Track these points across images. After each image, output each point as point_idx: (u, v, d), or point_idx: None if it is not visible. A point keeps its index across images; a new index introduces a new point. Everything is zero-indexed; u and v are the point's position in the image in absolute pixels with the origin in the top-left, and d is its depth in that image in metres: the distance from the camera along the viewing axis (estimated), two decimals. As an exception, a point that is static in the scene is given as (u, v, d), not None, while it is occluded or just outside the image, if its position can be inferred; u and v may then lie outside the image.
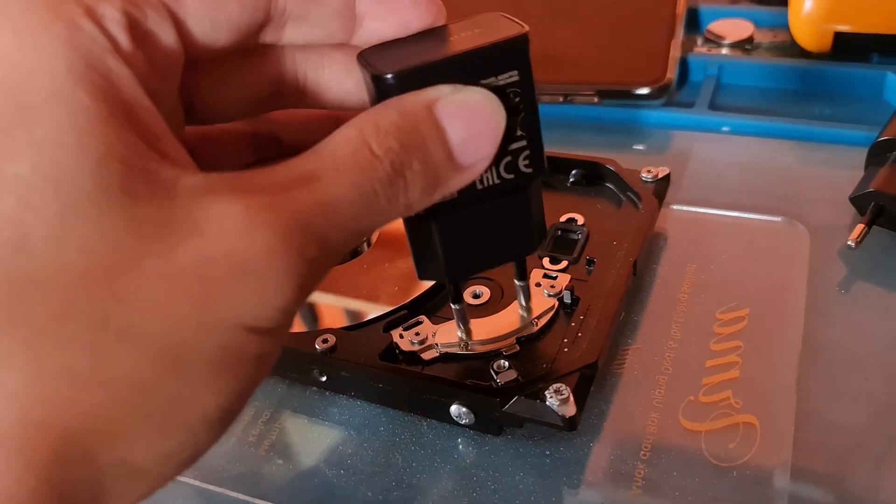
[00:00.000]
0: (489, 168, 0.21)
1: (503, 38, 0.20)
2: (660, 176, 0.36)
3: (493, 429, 0.29)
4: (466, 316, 0.29)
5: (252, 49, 0.21)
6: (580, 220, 0.35)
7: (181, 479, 0.30)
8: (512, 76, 0.21)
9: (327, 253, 0.17)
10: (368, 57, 0.20)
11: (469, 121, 0.20)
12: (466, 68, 0.20)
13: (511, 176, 0.22)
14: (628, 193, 0.36)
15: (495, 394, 0.27)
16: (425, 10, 0.20)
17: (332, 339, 0.30)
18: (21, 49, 0.16)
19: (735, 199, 0.38)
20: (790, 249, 0.35)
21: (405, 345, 0.30)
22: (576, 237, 0.34)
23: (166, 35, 0.18)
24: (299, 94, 0.22)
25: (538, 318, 0.30)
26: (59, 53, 0.16)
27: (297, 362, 0.31)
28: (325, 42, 0.21)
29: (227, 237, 0.16)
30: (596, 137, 0.44)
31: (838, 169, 0.40)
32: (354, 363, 0.30)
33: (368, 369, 0.29)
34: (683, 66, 0.47)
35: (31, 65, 0.15)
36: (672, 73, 0.44)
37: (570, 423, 0.26)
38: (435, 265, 0.24)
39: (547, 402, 0.26)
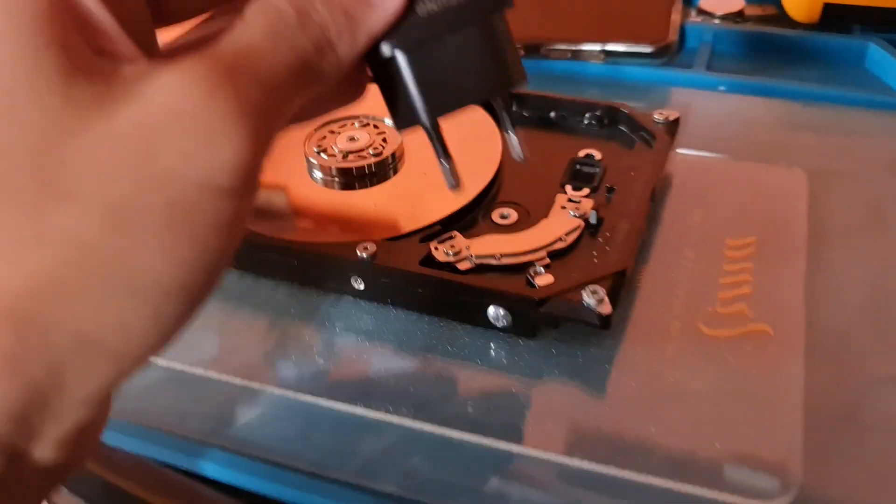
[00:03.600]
0: None
1: None
2: (671, 118, 0.38)
3: (528, 331, 0.31)
4: (457, 174, 0.25)
5: None
6: (598, 155, 0.37)
7: (210, 374, 0.31)
8: None
9: (269, 97, 0.17)
10: None
11: None
12: None
13: None
14: (641, 133, 0.38)
15: (533, 295, 0.29)
16: None
17: (372, 247, 0.31)
18: None
19: (735, 147, 0.41)
20: (790, 188, 0.38)
21: (441, 256, 0.32)
22: (594, 170, 0.36)
23: None
24: None
25: (567, 234, 0.32)
26: None
27: (336, 270, 0.32)
28: None
29: (164, 95, 0.16)
30: (600, 93, 0.47)
31: (828, 123, 0.43)
32: (396, 269, 0.31)
33: (410, 275, 0.31)
34: (681, 32, 0.49)
35: None
36: (674, 35, 0.46)
37: (606, 322, 0.28)
38: (410, 108, 0.22)
39: (584, 302, 0.28)
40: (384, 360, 0.31)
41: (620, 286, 0.30)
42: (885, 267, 0.34)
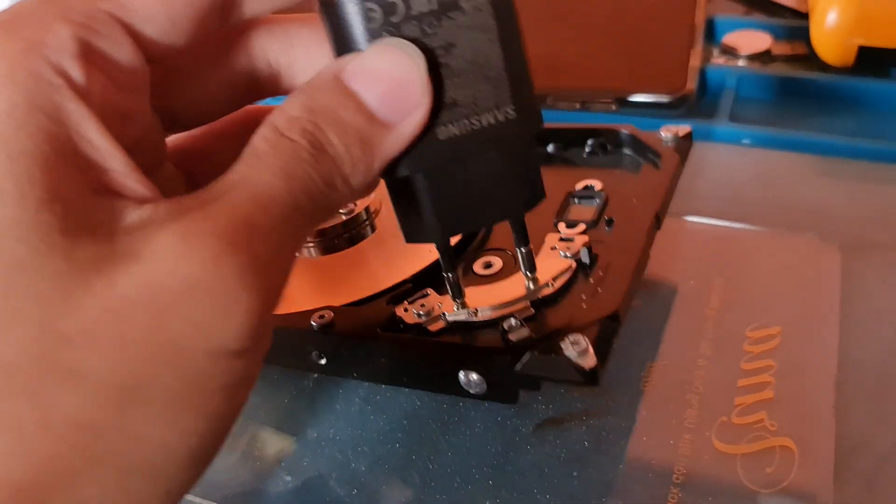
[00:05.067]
0: (444, 113, 0.20)
1: None
2: (680, 134, 0.34)
3: (507, 396, 0.26)
4: (461, 286, 0.26)
5: (220, 43, 0.21)
6: (598, 185, 0.33)
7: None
8: None
9: (278, 247, 0.17)
10: None
11: (380, 76, 0.19)
12: None
13: (493, 121, 0.20)
14: (648, 155, 0.34)
15: (506, 352, 0.25)
16: None
17: (329, 315, 0.28)
18: None
19: (760, 213, 0.37)
20: (820, 266, 0.34)
21: (410, 318, 0.28)
22: (593, 203, 0.32)
23: (123, 49, 0.17)
24: (274, 81, 0.22)
25: (555, 279, 0.28)
26: (2, 96, 0.15)
27: (293, 344, 0.29)
28: (291, 4, 0.20)
29: (168, 258, 0.15)
30: (612, 146, 0.43)
31: (865, 184, 0.38)
32: (354, 337, 0.27)
33: (369, 342, 0.27)
34: (701, 76, 0.46)
35: None
36: (693, 83, 0.43)
37: (591, 376, 0.23)
38: (422, 225, 0.22)
39: (564, 355, 0.23)
40: (361, 479, 0.28)
41: (611, 334, 0.25)
42: (928, 367, 0.30)
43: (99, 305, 0.15)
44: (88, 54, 0.17)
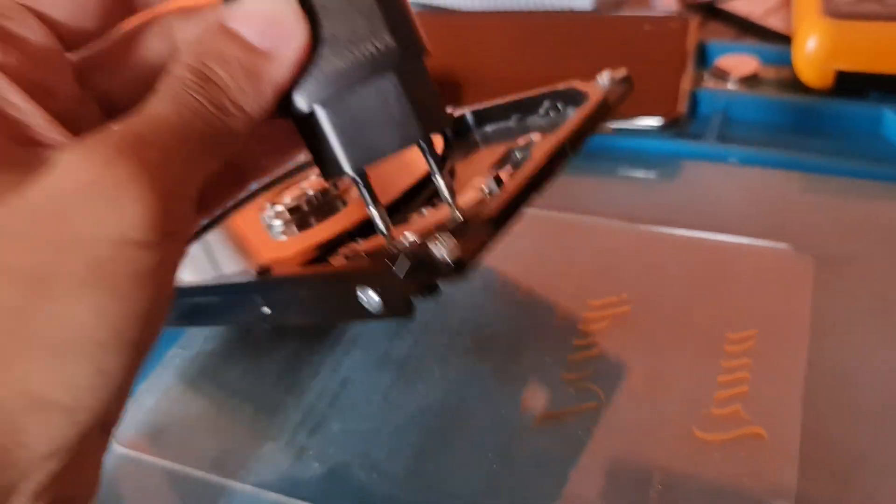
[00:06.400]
0: (326, 47, 0.22)
1: None
2: (617, 77, 0.34)
3: (402, 308, 0.25)
4: (387, 220, 0.26)
5: (137, 29, 0.24)
6: (537, 138, 0.33)
7: (217, 477, 0.32)
8: None
9: (168, 156, 0.19)
10: None
11: (256, 14, 0.21)
12: None
13: (373, 51, 0.22)
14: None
15: (389, 262, 0.24)
16: None
17: (268, 264, 0.29)
18: None
19: (743, 226, 0.41)
20: (795, 275, 0.37)
21: (337, 262, 0.29)
22: (526, 155, 0.32)
23: (34, 30, 0.21)
24: None
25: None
26: None
27: (241, 297, 0.30)
28: None
29: (70, 169, 0.18)
30: (607, 164, 0.47)
31: (842, 199, 0.42)
32: (282, 277, 0.28)
33: (291, 279, 0.28)
34: (692, 99, 0.49)
35: None
36: (683, 107, 0.46)
37: (459, 265, 0.23)
38: (333, 160, 0.23)
39: (431, 251, 0.23)
40: (376, 466, 0.31)
41: (487, 233, 0.25)
42: (890, 366, 0.33)
43: (10, 209, 0.17)
44: (2, 35, 0.20)
